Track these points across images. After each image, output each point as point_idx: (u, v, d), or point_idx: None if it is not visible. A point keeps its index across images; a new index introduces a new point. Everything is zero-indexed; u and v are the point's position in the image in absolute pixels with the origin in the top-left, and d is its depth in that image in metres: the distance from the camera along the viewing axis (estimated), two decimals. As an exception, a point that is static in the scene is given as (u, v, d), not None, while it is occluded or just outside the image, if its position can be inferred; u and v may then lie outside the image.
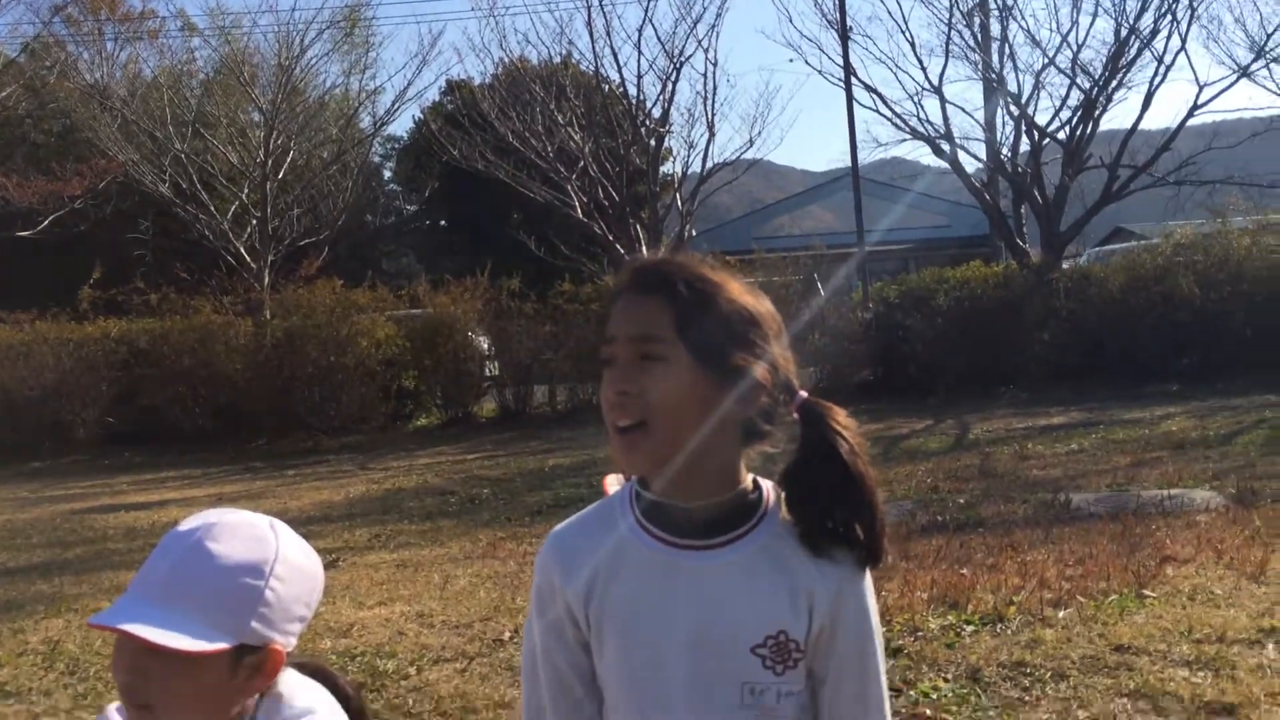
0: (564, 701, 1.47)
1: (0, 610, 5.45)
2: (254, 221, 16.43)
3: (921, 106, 16.07)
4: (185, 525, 1.50)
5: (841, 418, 1.40)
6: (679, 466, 1.39)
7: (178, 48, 21.97)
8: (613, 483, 1.61)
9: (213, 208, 16.51)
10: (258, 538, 1.49)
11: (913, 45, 15.81)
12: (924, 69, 15.55)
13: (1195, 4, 14.46)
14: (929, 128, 15.73)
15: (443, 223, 30.26)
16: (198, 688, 1.46)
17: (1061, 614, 4.09)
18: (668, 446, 1.35)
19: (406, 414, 14.42)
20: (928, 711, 3.28)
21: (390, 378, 13.99)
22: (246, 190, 16.89)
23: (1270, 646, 3.54)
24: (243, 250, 16.08)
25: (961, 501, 6.66)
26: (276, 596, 1.46)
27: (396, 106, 18.31)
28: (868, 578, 1.44)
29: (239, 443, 13.11)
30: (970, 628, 4.04)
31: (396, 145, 30.78)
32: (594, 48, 16.35)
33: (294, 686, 1.56)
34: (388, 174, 31.43)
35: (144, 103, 17.72)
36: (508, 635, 4.41)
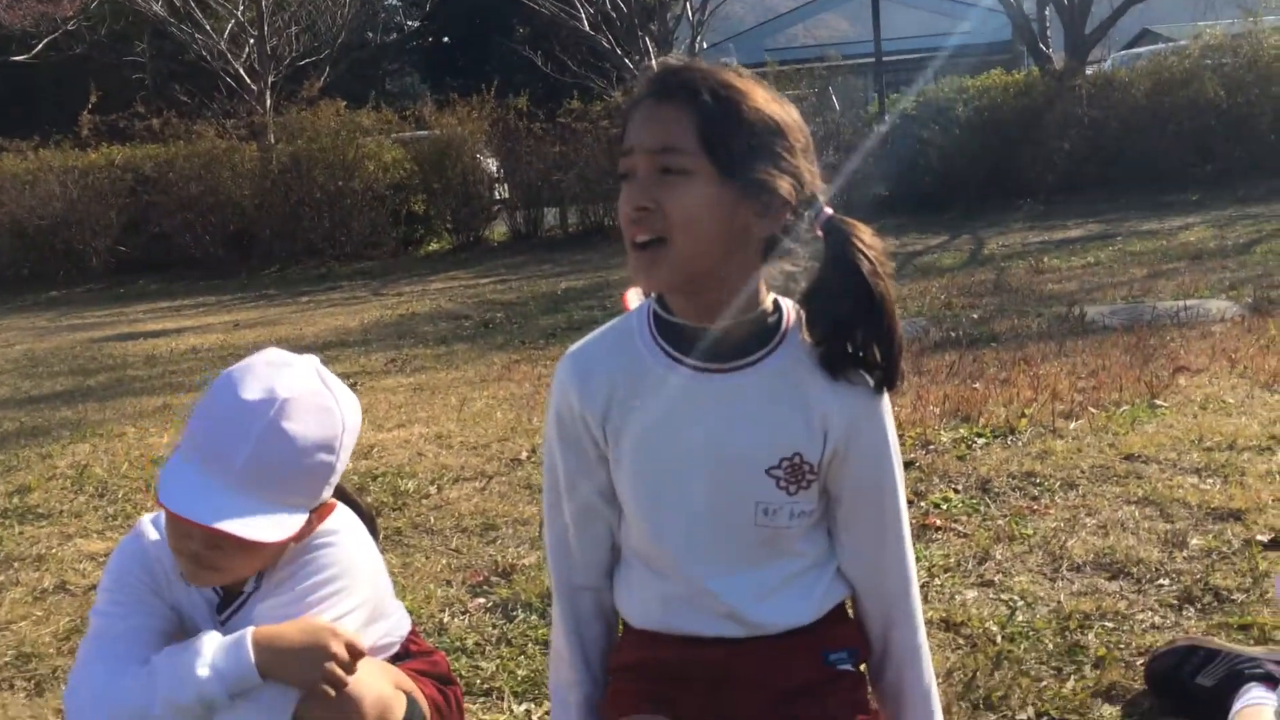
0: (582, 513, 1.49)
1: (27, 436, 5.57)
2: (251, 40, 15.94)
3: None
4: (248, 393, 1.49)
5: (866, 236, 1.37)
6: (703, 284, 1.36)
7: None
8: (633, 298, 1.58)
9: (209, 26, 15.99)
10: (326, 408, 1.53)
11: None
12: None
13: None
14: (952, -77, 14.96)
15: (446, 39, 29.33)
16: (268, 553, 1.54)
17: (1073, 425, 4.12)
18: (689, 263, 1.31)
19: (417, 239, 14.37)
20: (937, 521, 3.35)
21: (399, 202, 13.88)
22: (242, 7, 16.31)
23: None
24: (242, 71, 15.67)
25: (975, 317, 6.64)
26: (342, 463, 1.54)
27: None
28: (886, 400, 1.43)
29: (252, 269, 13.14)
30: (981, 440, 4.08)
31: (395, -44, 29.56)
32: None
33: None
34: (387, -13, 30.29)
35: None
36: (525, 455, 4.49)
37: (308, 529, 1.56)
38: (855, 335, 1.36)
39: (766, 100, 1.33)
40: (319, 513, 1.57)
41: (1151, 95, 12.85)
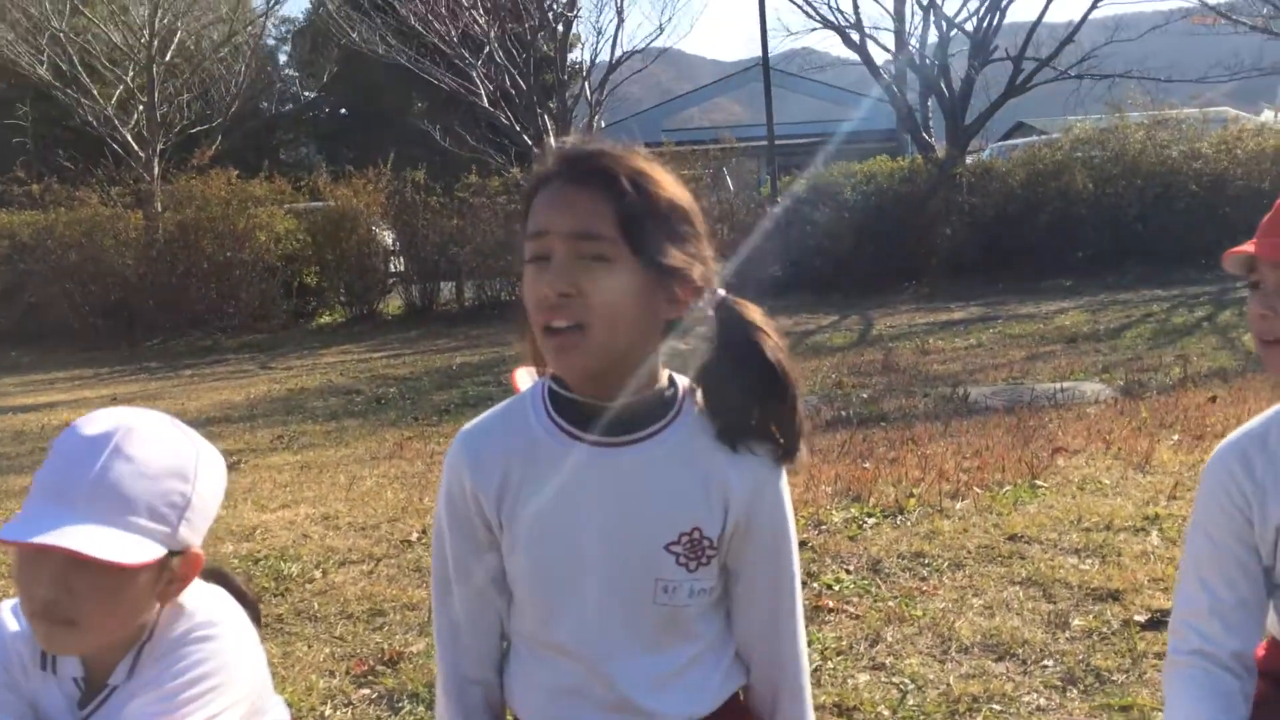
0: (472, 599, 1.45)
1: (-120, 520, 5.23)
2: (140, 107, 15.62)
3: (833, -7, 15.86)
4: (90, 429, 1.42)
5: (759, 316, 1.38)
6: (612, 368, 1.35)
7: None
8: (522, 377, 1.56)
9: (95, 92, 15.63)
10: (177, 439, 1.45)
11: (826, -72, 15.53)
12: (836, -45, 15.34)
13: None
14: (840, 16, 15.63)
15: (343, 110, 29.24)
16: (126, 599, 1.42)
17: (959, 505, 4.22)
18: (606, 349, 1.31)
19: (309, 311, 14.12)
20: (830, 602, 3.37)
21: (291, 274, 13.65)
22: (131, 73, 16.00)
23: (1154, 533, 3.70)
24: (129, 138, 15.31)
25: (865, 396, 6.79)
26: (201, 499, 1.44)
27: (290, -15, 17.43)
28: (783, 475, 1.43)
29: (133, 342, 12.71)
30: (872, 520, 4.14)
31: (293, 27, 29.46)
32: (500, -76, 15.73)
33: (196, 596, 1.52)
34: (284, 58, 30.13)
35: (14, -24, 16.53)
36: (415, 536, 4.39)
37: (171, 586, 1.46)
38: (755, 411, 1.37)
39: (674, 185, 1.34)
40: (184, 567, 1.47)
41: (1026, 184, 13.47)
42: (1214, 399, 5.65)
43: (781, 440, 1.38)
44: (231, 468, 6.04)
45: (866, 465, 4.93)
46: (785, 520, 1.45)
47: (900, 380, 7.30)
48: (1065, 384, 6.59)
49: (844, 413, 6.27)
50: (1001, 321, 9.76)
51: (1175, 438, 4.96)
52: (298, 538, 4.54)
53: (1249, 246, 1.40)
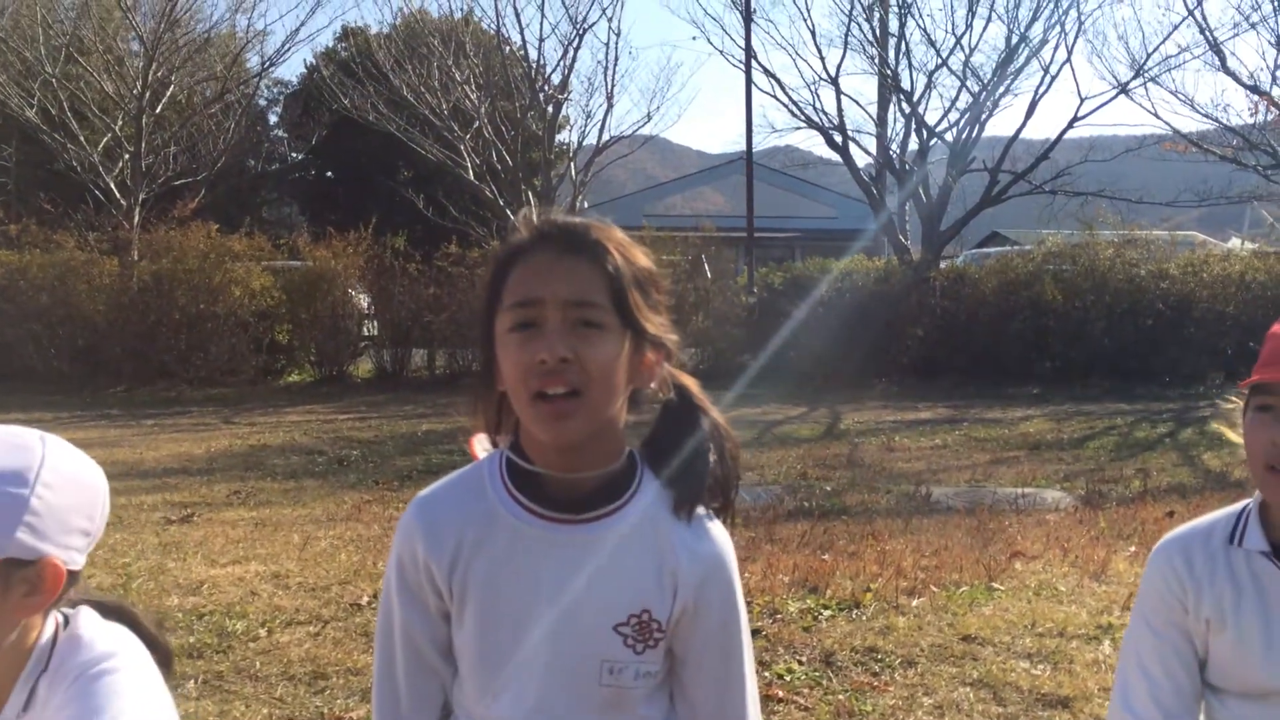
0: (417, 668, 1.42)
1: None
2: (126, 156, 15.67)
3: (818, 96, 16.35)
4: None
5: (697, 388, 1.43)
6: (598, 433, 1.36)
7: (54, -35, 20.69)
8: (479, 445, 1.55)
9: (83, 138, 15.68)
10: (20, 445, 1.39)
11: (813, 34, 16.03)
12: (822, 58, 15.86)
13: (1083, 17, 15.01)
14: (824, 117, 16.00)
15: (329, 174, 29.40)
16: None
17: (915, 602, 4.20)
18: (598, 416, 1.32)
19: (278, 369, 14.03)
20: (780, 693, 3.33)
21: (263, 330, 13.58)
22: (121, 122, 16.07)
23: (1106, 643, 3.70)
24: (113, 185, 15.33)
25: (828, 489, 6.80)
26: (46, 505, 1.36)
27: (287, 47, 17.69)
28: (734, 564, 1.43)
29: (97, 388, 12.55)
30: (827, 612, 4.12)
31: (285, 90, 29.76)
32: (497, 6, 16.28)
33: (94, 628, 1.46)
34: (274, 119, 30.37)
35: (14, 20, 16.68)
36: (366, 600, 4.32)
37: (30, 599, 1.40)
38: (703, 474, 1.39)
39: (645, 256, 1.39)
40: (42, 581, 1.42)
41: (998, 292, 13.71)
42: (1172, 514, 5.69)
43: (720, 499, 1.42)
44: (184, 521, 5.98)
45: (825, 557, 4.92)
46: (735, 609, 1.45)
47: (864, 475, 7.32)
48: (1027, 490, 6.63)
49: (806, 504, 6.27)
50: (968, 424, 9.83)
51: (1132, 549, 4.99)
52: (245, 595, 4.46)
53: (1274, 372, 1.42)
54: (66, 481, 1.39)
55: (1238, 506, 1.55)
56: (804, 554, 4.98)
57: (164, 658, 1.57)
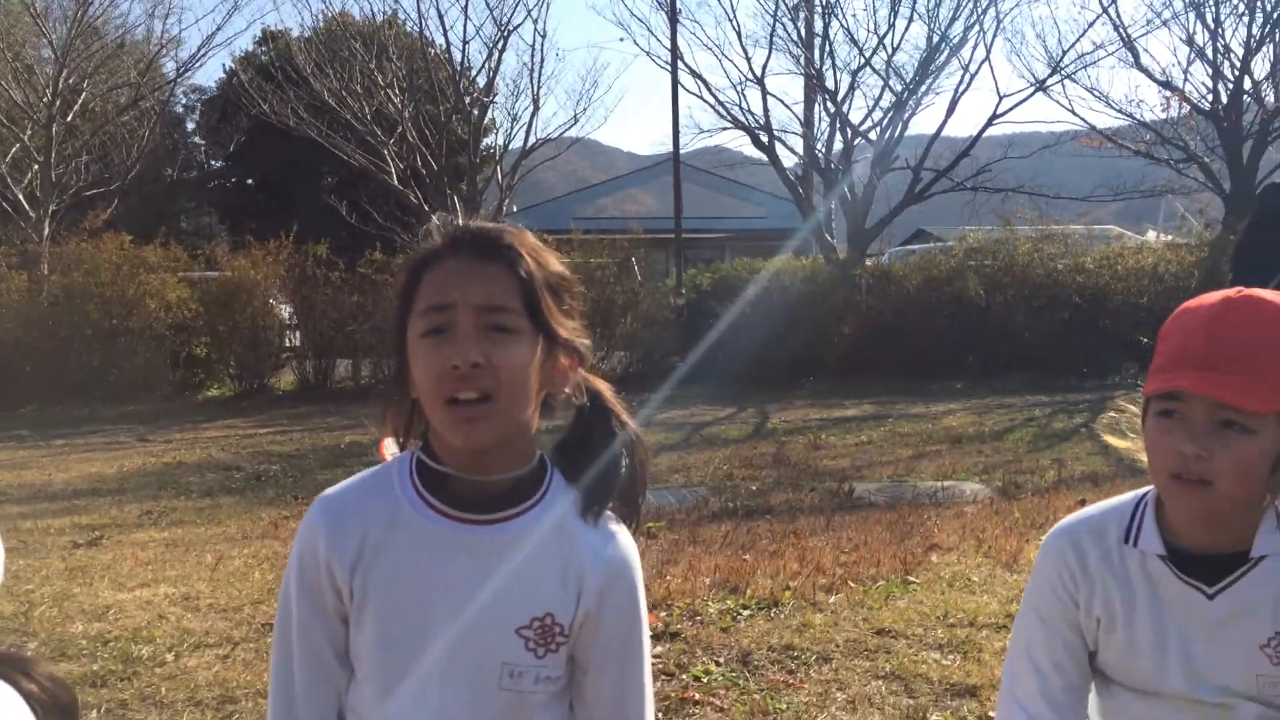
0: (313, 670, 1.39)
1: None
2: (35, 166, 15.21)
3: (744, 96, 16.49)
4: None
5: (611, 394, 1.43)
6: (507, 437, 1.35)
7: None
8: (389, 447, 1.53)
9: (-11, 150, 15.22)
10: None
11: (739, 34, 16.19)
12: (748, 59, 15.94)
13: (1001, 16, 15.29)
14: (750, 118, 16.09)
15: (249, 181, 28.87)
16: None
17: (832, 599, 4.22)
18: (508, 420, 1.32)
19: (196, 383, 13.71)
20: (696, 695, 3.32)
21: (180, 344, 13.27)
22: (30, 132, 15.59)
23: (1016, 633, 3.75)
24: (21, 197, 14.86)
25: (754, 489, 6.82)
26: None
27: (203, 52, 17.31)
28: (639, 573, 1.43)
29: (5, 407, 12.13)
30: (747, 612, 4.12)
31: (203, 96, 29.17)
32: (419, 7, 16.14)
33: None
34: (191, 125, 29.76)
35: (-88, 29, 16.13)
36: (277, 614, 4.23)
37: None
38: (614, 479, 1.40)
39: (559, 261, 1.40)
40: None
41: (922, 289, 13.91)
42: (1083, 502, 5.78)
43: (628, 504, 1.43)
44: (92, 544, 5.80)
45: (747, 557, 4.93)
46: (637, 616, 1.45)
47: (789, 474, 7.36)
48: (946, 483, 6.71)
49: (731, 504, 6.28)
50: (892, 420, 9.94)
51: (1044, 538, 5.07)
52: (153, 618, 4.33)
53: (1182, 379, 1.36)
54: None
55: (1132, 497, 1.51)
56: (726, 555, 4.98)
57: (65, 710, 1.47)
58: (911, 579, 4.44)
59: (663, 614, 4.08)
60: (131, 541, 5.73)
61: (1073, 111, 16.07)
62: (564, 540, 1.37)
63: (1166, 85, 15.40)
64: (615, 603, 1.40)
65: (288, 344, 14.09)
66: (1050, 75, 15.37)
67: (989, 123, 15.77)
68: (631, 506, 1.43)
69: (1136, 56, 15.24)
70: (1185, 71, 15.32)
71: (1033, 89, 15.56)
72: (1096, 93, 16.05)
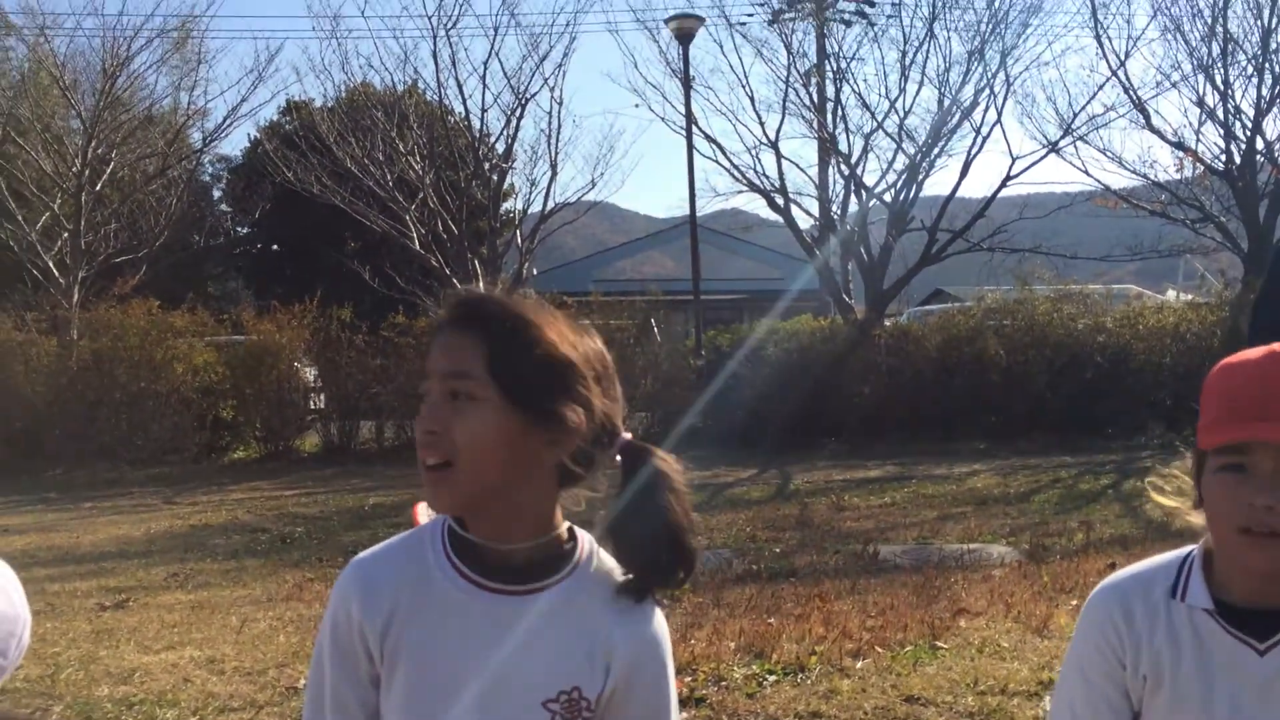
0: None
1: None
2: (65, 234, 15.48)
3: (759, 160, 16.50)
4: None
5: (668, 459, 1.39)
6: (490, 507, 1.35)
7: (-10, 45, 20.59)
8: (423, 512, 1.55)
9: (21, 217, 15.48)
10: None
11: (752, 100, 16.28)
12: (762, 124, 16.03)
13: (1011, 80, 15.43)
14: (765, 180, 16.22)
15: (274, 247, 29.26)
16: None
17: (860, 664, 4.19)
18: (472, 487, 1.32)
19: (223, 446, 13.79)
20: (724, 764, 3.30)
21: (207, 407, 13.38)
22: (59, 201, 15.90)
23: (1047, 698, 3.70)
24: (51, 265, 15.11)
25: (777, 550, 6.80)
26: None
27: (229, 123, 17.65)
28: (667, 643, 1.42)
29: (34, 471, 12.23)
30: (773, 677, 4.09)
31: (229, 164, 29.70)
32: (439, 77, 16.23)
33: None
34: (217, 193, 30.26)
35: (-52, 100, 16.55)
36: (303, 683, 4.21)
37: None
38: (657, 559, 1.36)
39: (560, 332, 1.36)
40: None
41: (941, 349, 13.90)
42: (1113, 565, 5.74)
43: (674, 575, 1.39)
44: (119, 606, 5.82)
45: (772, 621, 4.90)
46: (665, 695, 1.44)
47: (813, 536, 7.33)
48: (973, 546, 6.67)
49: (755, 566, 6.26)
50: (915, 481, 9.90)
51: (1074, 603, 5.02)
52: (178, 681, 4.34)
53: (1248, 431, 1.34)
54: None
55: (1178, 555, 1.50)
56: (751, 618, 4.96)
57: None
58: (940, 644, 4.40)
59: (687, 679, 4.06)
60: (157, 604, 5.76)
61: (1086, 172, 16.05)
62: (594, 613, 1.37)
63: (1179, 146, 15.47)
64: (644, 680, 1.40)
65: (312, 406, 14.19)
66: (1062, 137, 15.46)
67: (1003, 184, 15.85)
68: (674, 587, 1.40)
69: (1148, 118, 15.33)
70: (1197, 132, 15.38)
71: (1045, 151, 15.65)
72: (1109, 153, 16.00)
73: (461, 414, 1.30)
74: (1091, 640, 1.49)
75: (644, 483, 1.38)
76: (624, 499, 1.38)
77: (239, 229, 29.88)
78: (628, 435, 1.40)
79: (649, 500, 1.37)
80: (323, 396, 14.23)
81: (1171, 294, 19.48)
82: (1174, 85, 15.54)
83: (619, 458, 1.40)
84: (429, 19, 15.83)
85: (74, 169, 15.51)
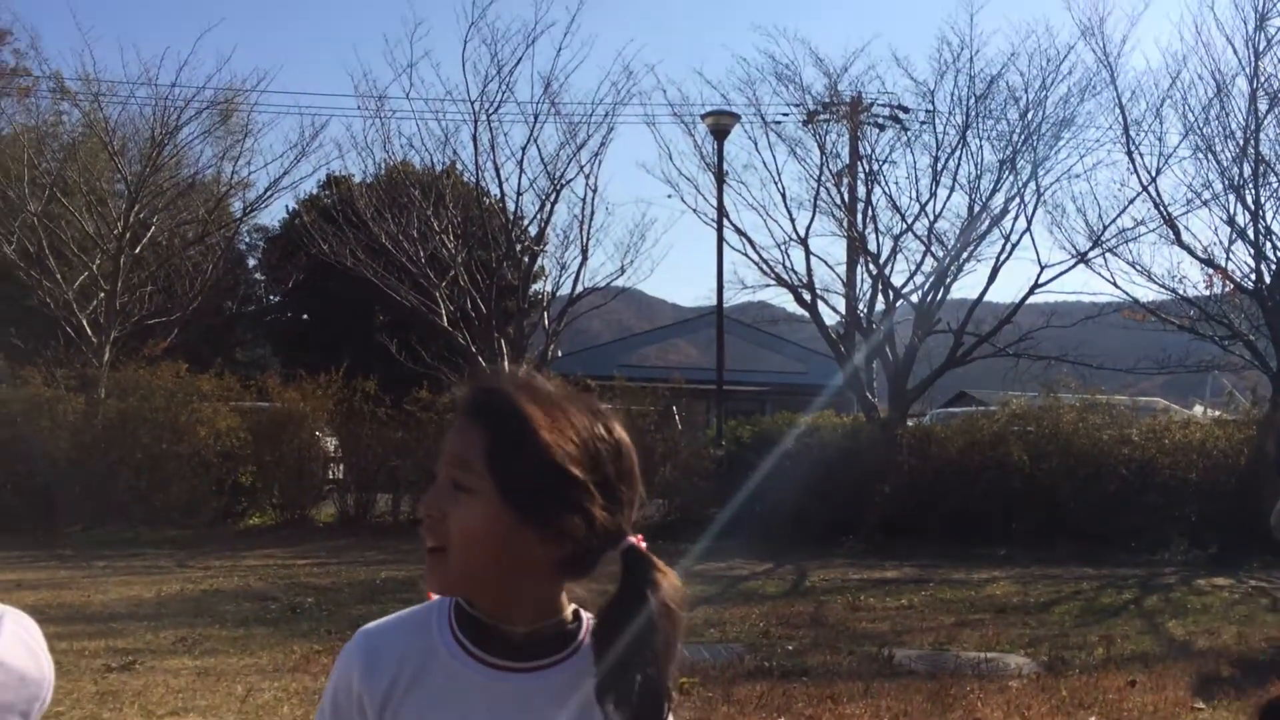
0: None
1: None
2: (102, 294, 15.75)
3: (788, 255, 16.60)
4: None
5: (667, 575, 1.34)
6: (485, 592, 1.35)
7: (45, 108, 21.25)
8: None
9: (59, 275, 15.78)
10: None
11: (784, 196, 16.46)
12: (792, 220, 16.20)
13: (1042, 190, 15.58)
14: (793, 276, 16.33)
15: (304, 316, 29.61)
16: None
17: (872, 772, 4.10)
18: (463, 574, 1.33)
19: (239, 511, 13.81)
20: None
21: (226, 471, 13.43)
22: (99, 261, 16.21)
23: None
24: (85, 323, 15.34)
25: (790, 648, 6.69)
26: None
27: (270, 194, 18.04)
28: None
29: (51, 526, 12.26)
30: (782, 780, 4.00)
31: (266, 234, 30.25)
32: (477, 160, 16.54)
33: None
34: (253, 261, 30.77)
35: None
36: (306, 756, 4.17)
37: None
38: (630, 670, 1.30)
39: (566, 437, 1.33)
40: None
41: (964, 452, 13.80)
42: (1133, 683, 5.62)
43: (637, 707, 1.30)
44: (125, 669, 5.78)
45: (783, 721, 4.81)
46: None
47: (827, 635, 7.21)
48: (990, 654, 6.54)
49: (767, 663, 6.16)
50: (934, 585, 9.75)
51: (1092, 719, 4.91)
52: (180, 750, 4.29)
53: None
54: (10, 679, 1.30)
55: None
56: (760, 716, 4.87)
57: None
58: (954, 754, 4.30)
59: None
60: (164, 668, 5.72)
61: (1115, 284, 16.06)
62: (590, 695, 1.34)
63: (1209, 263, 15.48)
64: None
65: (331, 476, 14.22)
66: (1091, 248, 15.50)
67: (1030, 291, 15.89)
68: (643, 696, 1.29)
69: (1178, 234, 15.37)
70: (1227, 250, 15.39)
71: (1074, 261, 15.69)
72: (1138, 267, 16.04)
73: (458, 503, 1.31)
74: None
75: (637, 589, 1.33)
76: (612, 612, 1.34)
77: (271, 297, 30.28)
78: (633, 539, 1.36)
79: (638, 605, 1.32)
80: (341, 467, 14.26)
81: (1199, 409, 19.32)
82: (1204, 204, 15.60)
83: (620, 559, 1.36)
84: (471, 104, 16.17)
85: (115, 230, 15.85)
